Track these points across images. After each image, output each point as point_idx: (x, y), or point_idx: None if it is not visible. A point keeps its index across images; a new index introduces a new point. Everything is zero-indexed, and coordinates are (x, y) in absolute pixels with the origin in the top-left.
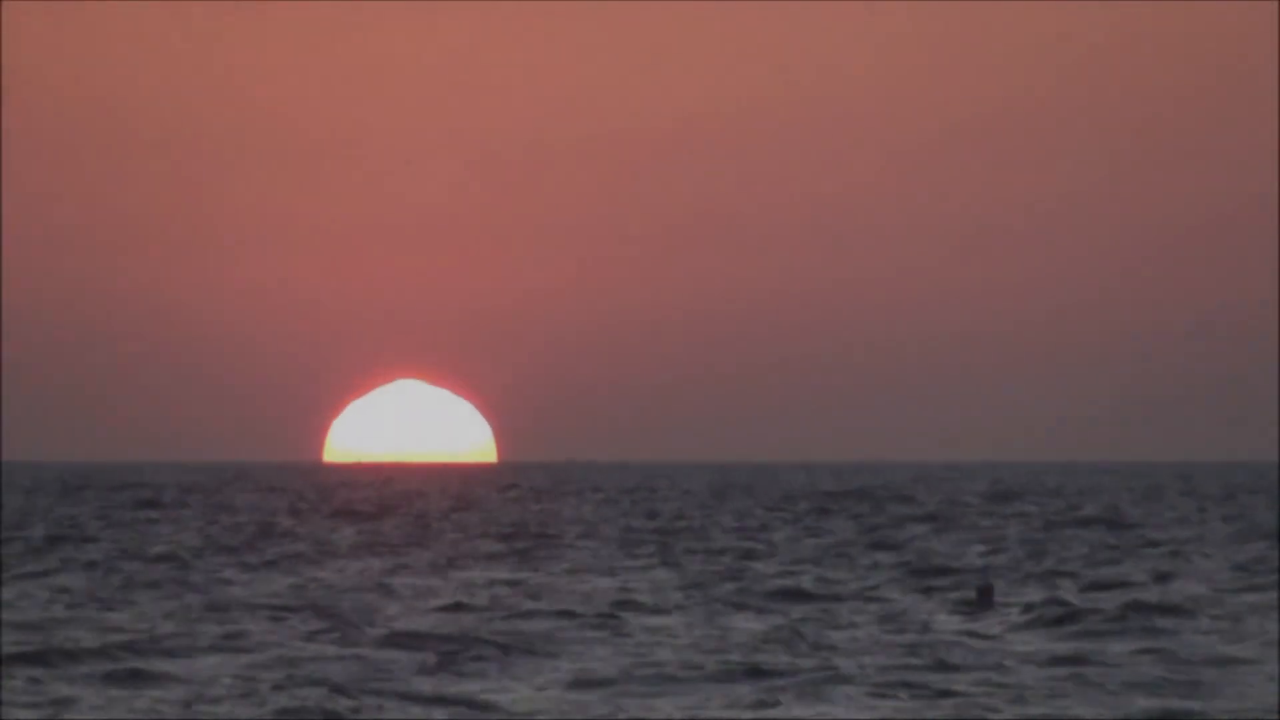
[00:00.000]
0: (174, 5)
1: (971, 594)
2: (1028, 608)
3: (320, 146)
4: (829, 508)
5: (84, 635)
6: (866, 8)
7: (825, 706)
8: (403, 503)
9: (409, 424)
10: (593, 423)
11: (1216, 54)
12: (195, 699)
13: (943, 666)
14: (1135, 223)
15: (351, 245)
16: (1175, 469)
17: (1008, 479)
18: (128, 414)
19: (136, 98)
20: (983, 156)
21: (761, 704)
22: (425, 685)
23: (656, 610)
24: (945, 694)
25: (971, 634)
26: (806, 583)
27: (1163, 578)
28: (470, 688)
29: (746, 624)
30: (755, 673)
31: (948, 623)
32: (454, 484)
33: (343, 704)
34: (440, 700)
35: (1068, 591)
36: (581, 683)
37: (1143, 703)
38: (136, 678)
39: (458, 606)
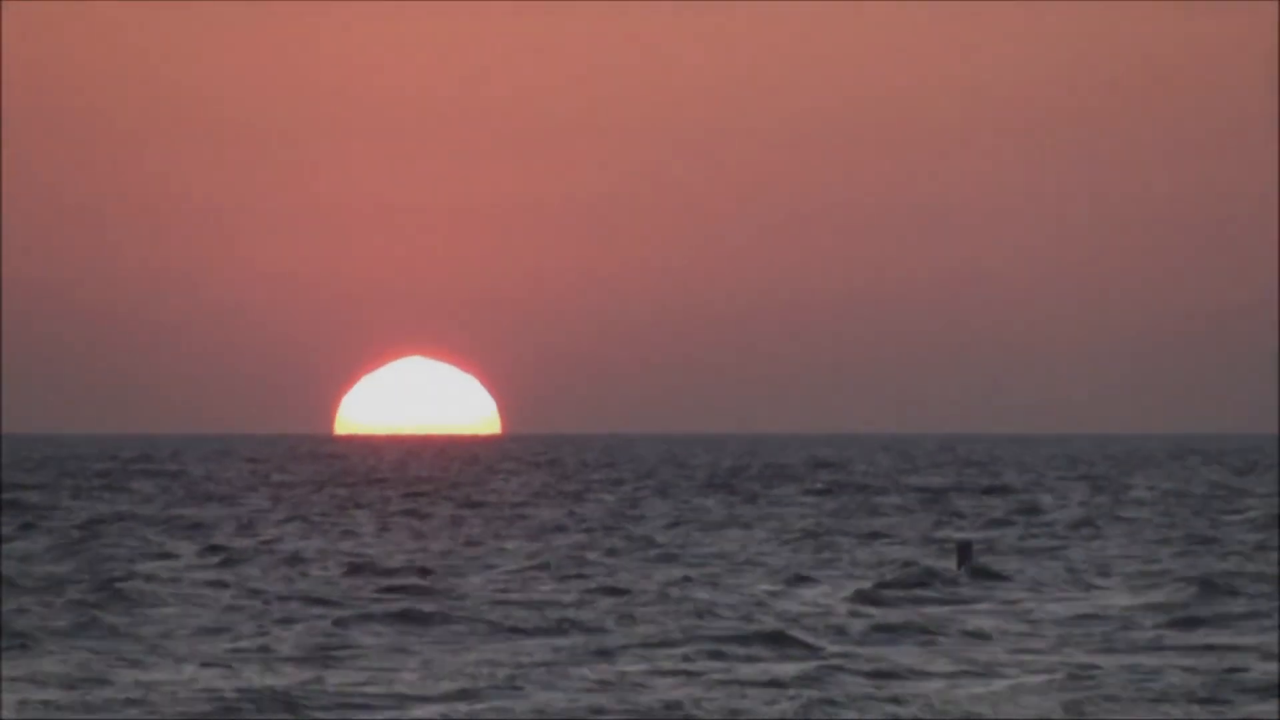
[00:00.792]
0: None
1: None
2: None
3: (337, 134)
4: (731, 483)
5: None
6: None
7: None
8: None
9: (417, 398)
10: (593, 397)
11: None
12: None
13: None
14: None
15: (362, 231)
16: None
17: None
18: (155, 389)
19: (146, 92)
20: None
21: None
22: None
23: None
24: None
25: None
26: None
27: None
28: None
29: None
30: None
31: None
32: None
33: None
34: None
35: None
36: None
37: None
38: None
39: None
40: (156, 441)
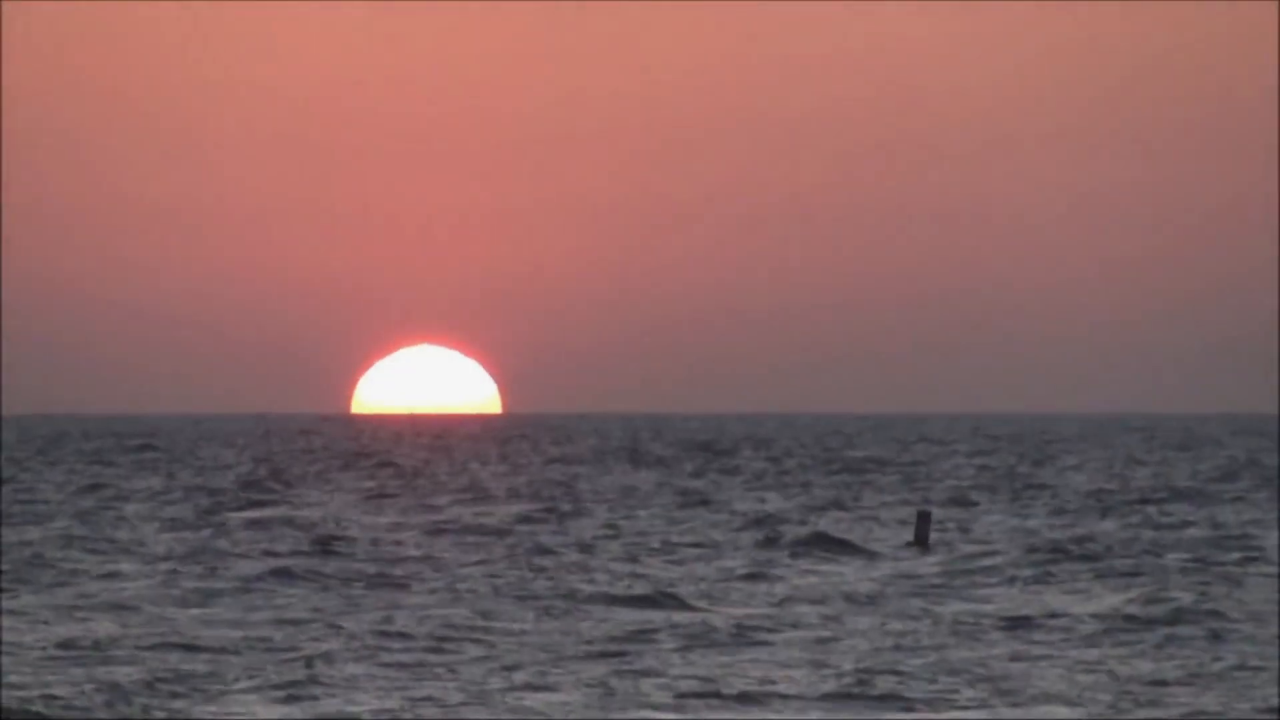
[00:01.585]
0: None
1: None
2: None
3: (352, 138)
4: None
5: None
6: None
7: None
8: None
9: (426, 381)
10: (585, 380)
11: None
12: None
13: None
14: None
15: (377, 232)
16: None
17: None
18: (187, 371)
19: (147, 92)
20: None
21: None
22: None
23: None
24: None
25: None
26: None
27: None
28: None
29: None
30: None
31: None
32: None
33: None
34: None
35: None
36: None
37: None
38: None
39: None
40: (200, 420)
